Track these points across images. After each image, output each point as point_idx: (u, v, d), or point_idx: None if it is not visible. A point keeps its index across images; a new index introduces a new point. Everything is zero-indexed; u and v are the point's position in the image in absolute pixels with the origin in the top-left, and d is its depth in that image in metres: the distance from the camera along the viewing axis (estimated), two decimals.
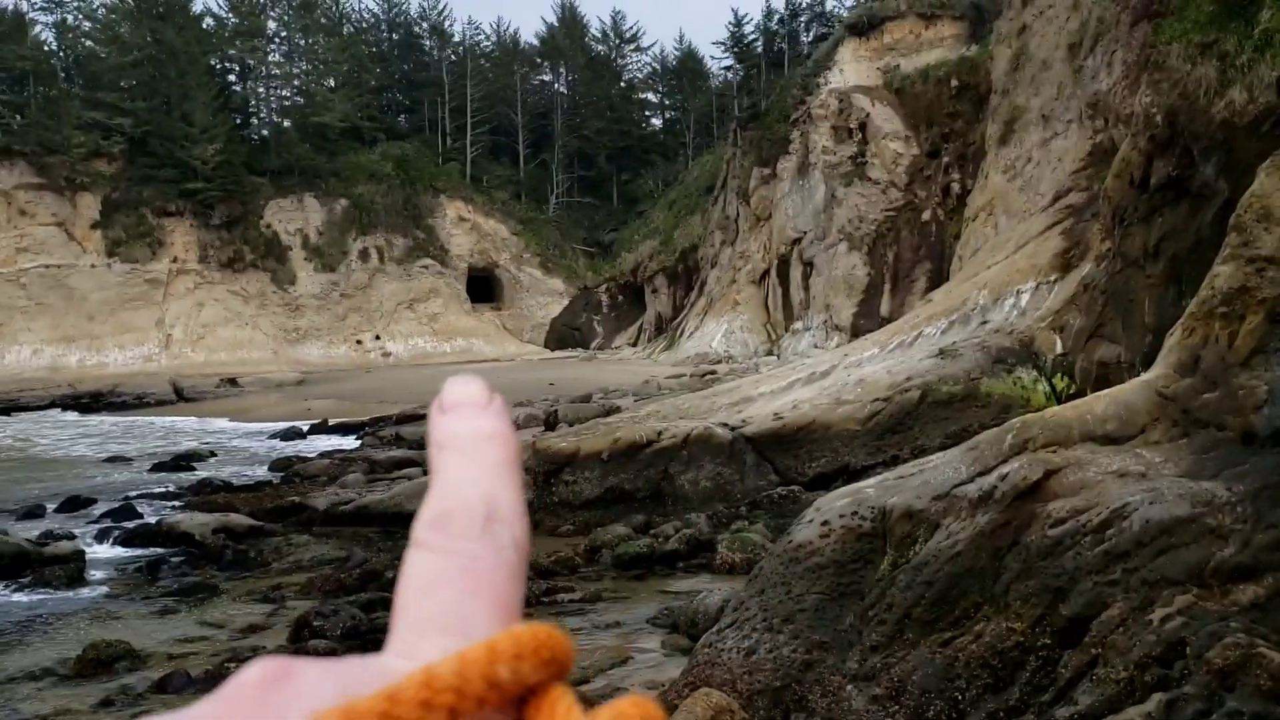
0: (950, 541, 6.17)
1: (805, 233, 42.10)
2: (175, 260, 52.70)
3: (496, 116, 66.88)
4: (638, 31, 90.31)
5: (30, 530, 14.80)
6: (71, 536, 14.30)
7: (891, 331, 19.27)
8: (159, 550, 13.79)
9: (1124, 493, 5.87)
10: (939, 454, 7.51)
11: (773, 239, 44.14)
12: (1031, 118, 21.93)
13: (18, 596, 11.87)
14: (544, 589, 10.96)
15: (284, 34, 62.57)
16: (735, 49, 68.63)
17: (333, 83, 63.79)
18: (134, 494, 18.52)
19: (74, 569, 12.53)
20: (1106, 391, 7.18)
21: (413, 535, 0.43)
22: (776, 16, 64.59)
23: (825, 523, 6.79)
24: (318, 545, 13.67)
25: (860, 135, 40.86)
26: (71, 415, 36.88)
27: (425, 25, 72.54)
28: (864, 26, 43.27)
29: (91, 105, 53.02)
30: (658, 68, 77.12)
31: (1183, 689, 5.04)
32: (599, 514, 14.11)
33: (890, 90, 40.99)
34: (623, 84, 75.36)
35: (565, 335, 58.01)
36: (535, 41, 74.94)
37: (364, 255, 56.88)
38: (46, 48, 58.73)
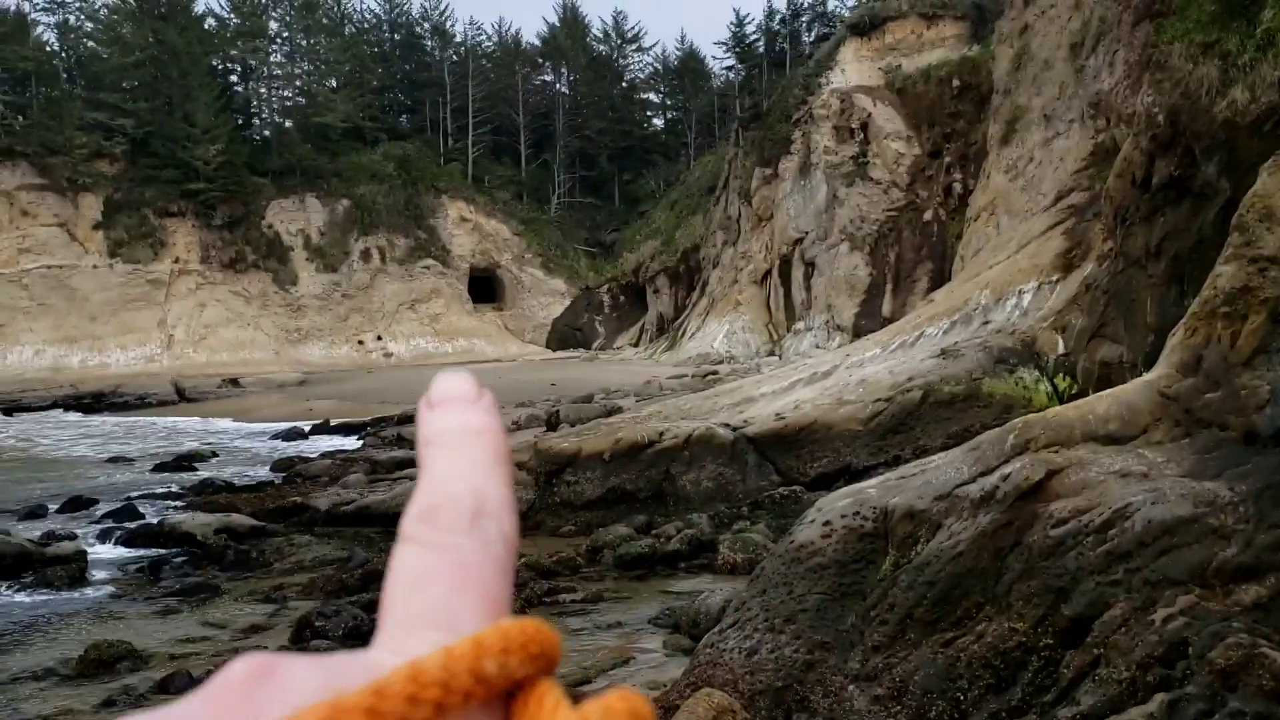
0: (952, 542, 6.16)
1: (807, 233, 42.09)
2: (177, 261, 52.75)
3: (498, 117, 66.91)
4: (639, 31, 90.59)
5: (32, 530, 14.82)
6: (73, 537, 14.33)
7: (893, 331, 19.26)
8: (161, 550, 13.80)
9: (1126, 493, 5.86)
10: (941, 454, 7.50)
11: (774, 239, 44.13)
12: (1033, 117, 21.92)
13: (20, 597, 11.88)
14: (546, 589, 10.96)
15: (286, 34, 62.63)
16: (737, 49, 68.66)
17: (334, 83, 63.84)
18: (136, 494, 18.53)
19: (76, 569, 12.55)
20: (1108, 391, 7.17)
21: (400, 530, 0.43)
22: (778, 16, 64.72)
23: (827, 523, 6.78)
24: (319, 545, 13.68)
25: (862, 135, 40.85)
26: (73, 416, 36.91)
27: (427, 25, 72.64)
28: (866, 26, 43.27)
29: (93, 106, 53.09)
30: (659, 68, 77.22)
31: (1185, 689, 5.03)
32: (601, 514, 14.11)
33: (892, 90, 40.99)
34: (624, 84, 75.40)
35: (567, 335, 58.02)
36: (537, 42, 75.11)
37: (365, 255, 56.92)
38: (48, 48, 58.83)
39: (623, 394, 29.27)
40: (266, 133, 59.79)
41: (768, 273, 44.50)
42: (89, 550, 13.59)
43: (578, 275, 60.69)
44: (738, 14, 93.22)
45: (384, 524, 14.52)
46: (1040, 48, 22.06)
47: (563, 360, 50.07)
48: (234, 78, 62.22)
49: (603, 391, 30.58)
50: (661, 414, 16.41)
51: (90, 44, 59.53)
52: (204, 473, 21.28)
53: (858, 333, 33.67)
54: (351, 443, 25.93)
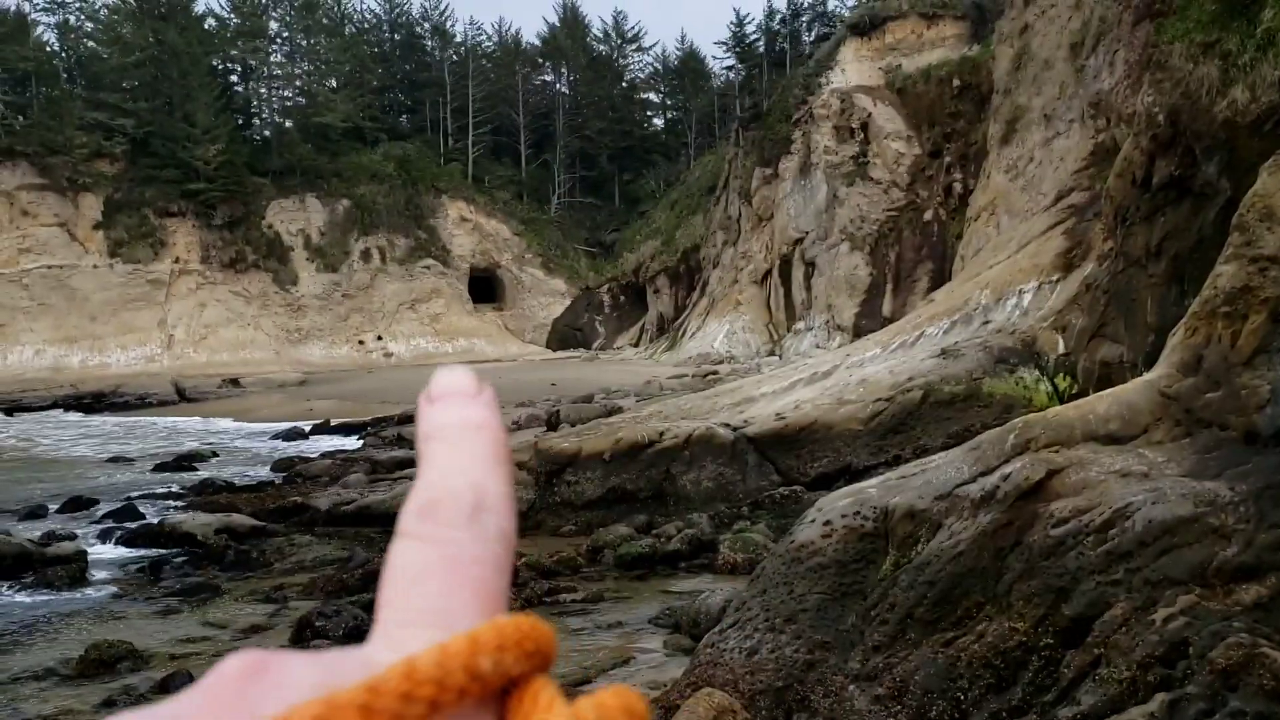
0: (952, 541, 6.16)
1: (807, 233, 42.09)
2: (177, 261, 52.76)
3: (498, 117, 66.92)
4: (639, 31, 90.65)
5: (33, 531, 14.82)
6: (74, 537, 14.33)
7: (893, 331, 19.26)
8: (161, 550, 13.80)
9: (1126, 492, 5.86)
10: (941, 454, 7.50)
11: (775, 239, 44.13)
12: (1033, 117, 21.92)
13: (20, 597, 11.88)
14: (546, 589, 10.97)
15: (286, 34, 62.64)
16: (737, 49, 68.67)
17: (334, 83, 63.86)
18: (136, 494, 18.53)
19: (76, 569, 12.54)
20: (1109, 391, 7.17)
21: (399, 525, 0.43)
22: (778, 16, 64.74)
23: (827, 523, 6.78)
24: (320, 545, 13.68)
25: (862, 135, 40.85)
26: (74, 416, 36.91)
27: (427, 25, 72.65)
28: (866, 26, 43.28)
29: (94, 106, 53.11)
30: (659, 68, 77.24)
31: (1185, 689, 5.03)
32: (601, 514, 14.11)
33: (892, 90, 41.00)
34: (624, 84, 75.42)
35: (567, 335, 58.02)
36: (537, 41, 75.15)
37: (366, 256, 56.93)
38: (49, 48, 58.84)
39: (623, 394, 29.27)
40: (267, 133, 59.80)
41: (768, 273, 44.50)
42: (89, 550, 13.59)
43: (578, 275, 60.70)
44: (738, 14, 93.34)
45: (384, 524, 14.51)
46: (1040, 47, 22.06)
47: (563, 360, 50.08)
48: (234, 78, 62.24)
49: (603, 391, 30.58)
50: (662, 414, 16.41)
51: (90, 44, 59.55)
52: (204, 473, 21.29)
53: (858, 333, 33.68)
54: (352, 443, 25.94)
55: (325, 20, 65.87)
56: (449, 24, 73.67)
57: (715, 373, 34.81)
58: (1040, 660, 5.59)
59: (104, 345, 50.17)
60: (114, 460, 23.89)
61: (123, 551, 14.15)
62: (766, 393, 16.63)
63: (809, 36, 60.91)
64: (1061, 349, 13.92)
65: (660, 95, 78.00)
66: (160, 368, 48.48)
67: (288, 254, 55.20)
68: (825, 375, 16.75)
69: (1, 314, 49.15)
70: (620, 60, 76.17)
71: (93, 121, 52.31)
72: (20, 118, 52.65)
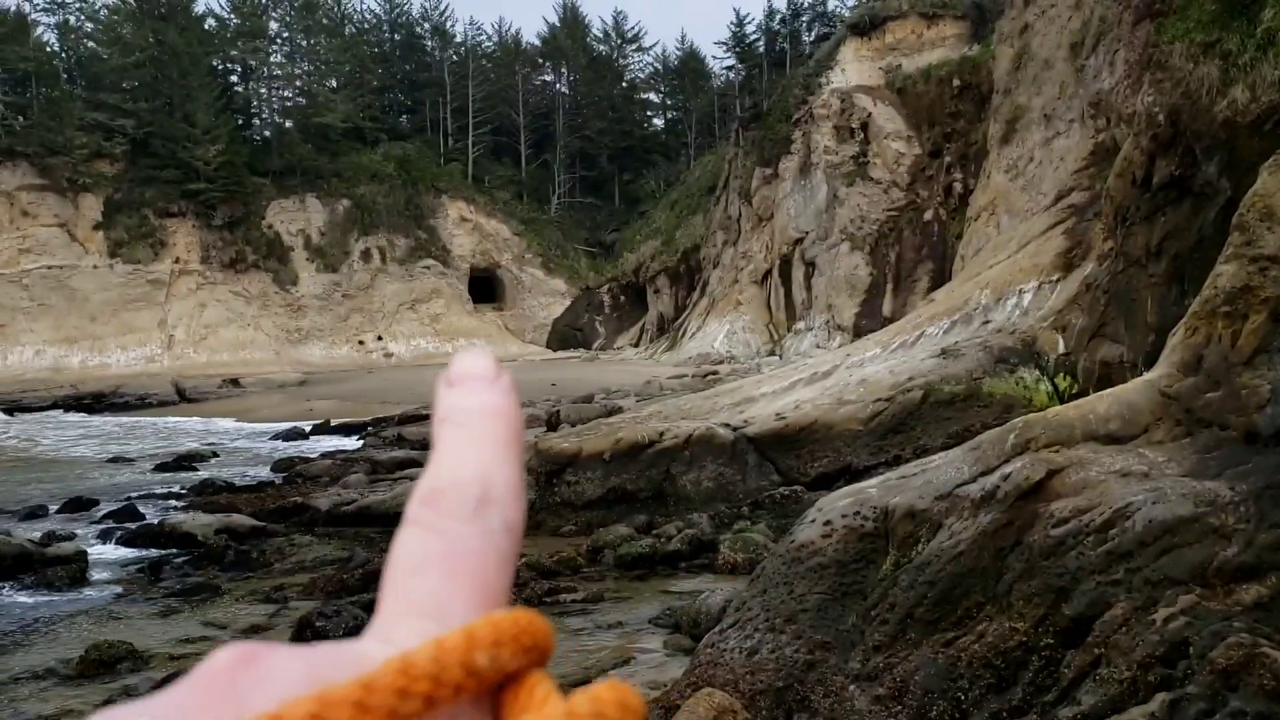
0: (953, 541, 6.16)
1: (807, 232, 42.09)
2: (177, 261, 52.77)
3: (498, 117, 66.94)
4: (639, 31, 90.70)
5: (33, 531, 14.81)
6: (74, 537, 14.32)
7: (894, 331, 19.26)
8: (161, 551, 13.80)
9: (1127, 492, 5.86)
10: (941, 454, 7.50)
11: (775, 239, 44.14)
12: (1033, 117, 21.92)
13: (20, 597, 11.88)
14: (546, 589, 10.97)
15: (286, 35, 62.64)
16: (737, 49, 68.68)
17: (334, 83, 63.86)
18: (136, 494, 18.52)
19: (76, 569, 12.54)
20: (1109, 391, 7.17)
21: (405, 511, 0.42)
22: (778, 16, 64.76)
23: (827, 523, 6.78)
24: (320, 546, 13.67)
25: (862, 135, 40.86)
26: (74, 416, 36.90)
27: (427, 26, 72.68)
28: (866, 26, 43.29)
29: (94, 106, 53.12)
30: (659, 68, 77.27)
31: (1186, 689, 5.03)
32: (601, 514, 14.11)
33: (892, 90, 41.00)
34: (624, 84, 75.44)
35: (567, 336, 58.02)
36: (537, 42, 75.18)
37: (366, 256, 56.93)
38: (49, 49, 58.84)
39: (623, 394, 29.28)
40: (267, 133, 59.82)
41: (768, 273, 44.51)
42: (89, 550, 13.58)
43: (578, 275, 60.70)
44: (738, 14, 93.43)
45: (385, 524, 14.51)
46: (1040, 47, 22.06)
47: (563, 360, 50.08)
48: (234, 78, 62.26)
49: (603, 391, 30.58)
50: (662, 414, 16.41)
51: (90, 44, 59.56)
52: (204, 473, 21.28)
53: (858, 333, 33.68)
54: (352, 443, 25.94)
55: (325, 20, 65.89)
56: (449, 24, 73.84)
57: (715, 373, 34.81)
58: (1041, 660, 5.59)
59: (104, 345, 50.18)
60: (114, 460, 23.89)
61: (123, 552, 14.14)
62: (766, 393, 16.63)
63: (809, 36, 60.93)
64: (1061, 349, 13.92)
65: (660, 95, 78.03)
66: (160, 368, 48.48)
67: (288, 254, 55.21)
68: (825, 375, 16.75)
69: (1, 314, 49.16)
70: (620, 60, 76.20)
71: (93, 122, 52.32)
72: (20, 118, 52.66)
